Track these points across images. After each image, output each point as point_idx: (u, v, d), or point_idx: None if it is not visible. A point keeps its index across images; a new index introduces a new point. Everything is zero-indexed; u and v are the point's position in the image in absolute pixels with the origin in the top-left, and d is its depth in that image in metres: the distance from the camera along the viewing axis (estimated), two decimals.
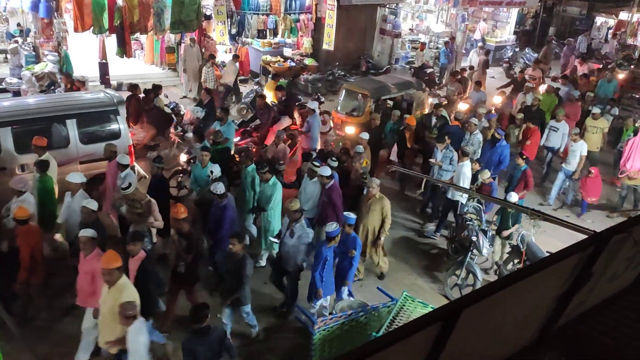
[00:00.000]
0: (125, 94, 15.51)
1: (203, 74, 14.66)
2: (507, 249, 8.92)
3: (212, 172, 8.30)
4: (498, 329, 2.50)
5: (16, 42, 15.07)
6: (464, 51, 21.27)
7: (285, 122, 11.96)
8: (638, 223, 2.81)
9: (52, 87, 12.55)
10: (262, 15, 16.60)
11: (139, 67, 17.40)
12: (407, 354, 1.99)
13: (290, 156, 10.95)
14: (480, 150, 10.88)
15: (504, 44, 23.39)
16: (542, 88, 15.11)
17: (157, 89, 12.37)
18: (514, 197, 8.61)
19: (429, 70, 18.45)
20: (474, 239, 8.21)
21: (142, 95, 12.22)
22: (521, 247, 8.39)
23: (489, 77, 18.69)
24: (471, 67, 17.55)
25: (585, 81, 16.02)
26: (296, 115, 12.63)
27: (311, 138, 11.26)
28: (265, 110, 11.83)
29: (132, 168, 8.83)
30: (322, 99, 14.06)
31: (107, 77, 15.08)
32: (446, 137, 10.12)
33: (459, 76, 15.88)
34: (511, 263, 8.71)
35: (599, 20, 26.88)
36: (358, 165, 9.29)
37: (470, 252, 8.27)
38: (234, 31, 16.25)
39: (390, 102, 12.84)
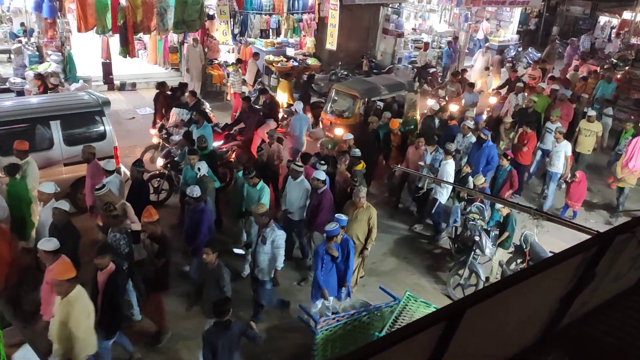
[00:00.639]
0: (129, 94, 15.70)
1: (230, 78, 14.47)
2: (507, 256, 8.68)
3: (199, 169, 8.20)
4: (501, 329, 2.50)
5: (20, 42, 15.11)
6: (466, 51, 21.24)
7: (271, 125, 11.68)
8: None
9: (56, 87, 12.56)
10: (265, 15, 16.59)
11: (142, 67, 17.42)
12: (410, 354, 1.99)
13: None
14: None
15: (507, 44, 23.37)
16: (544, 86, 14.87)
17: (183, 87, 12.59)
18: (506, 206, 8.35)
19: (431, 70, 18.44)
20: (477, 239, 8.20)
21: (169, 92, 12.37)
22: (524, 247, 8.38)
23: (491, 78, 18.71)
24: (466, 68, 17.51)
25: (582, 84, 15.64)
26: (309, 115, 12.59)
27: (294, 139, 11.09)
28: (251, 113, 11.63)
29: (118, 170, 8.73)
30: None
31: (111, 77, 15.14)
32: (436, 139, 10.07)
33: (460, 76, 15.74)
34: (514, 263, 8.69)
35: (603, 19, 26.81)
36: (343, 167, 9.13)
37: (473, 252, 8.27)
38: (236, 31, 16.25)
39: (381, 104, 12.63)
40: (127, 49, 13.99)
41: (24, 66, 14.11)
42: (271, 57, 17.48)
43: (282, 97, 14.08)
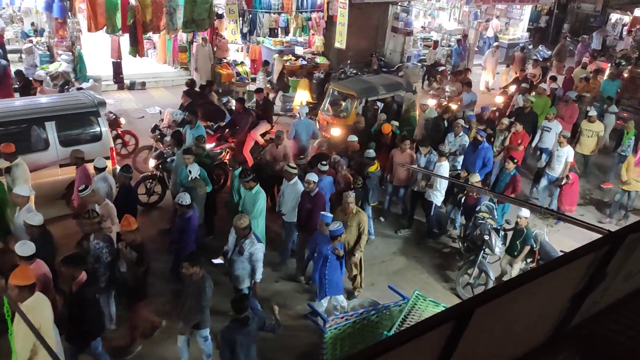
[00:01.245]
0: (138, 93, 15.78)
1: (258, 79, 14.30)
2: (519, 268, 8.40)
3: (190, 171, 8.05)
4: (511, 329, 2.48)
5: (30, 41, 15.23)
6: (476, 49, 21.13)
7: (264, 127, 11.60)
8: None
9: (67, 87, 12.66)
10: (274, 13, 16.60)
11: (152, 66, 17.52)
12: (418, 353, 1.98)
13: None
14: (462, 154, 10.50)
15: (517, 42, 23.22)
16: (544, 86, 14.48)
17: (211, 84, 12.83)
18: (524, 212, 8.14)
19: (441, 69, 18.36)
20: (487, 238, 8.17)
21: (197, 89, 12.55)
22: (534, 246, 8.33)
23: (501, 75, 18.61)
24: (469, 67, 17.28)
25: (584, 84, 15.25)
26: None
27: (295, 144, 10.79)
28: (244, 114, 11.47)
29: (114, 171, 8.72)
30: None
31: (121, 76, 15.22)
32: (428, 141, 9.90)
33: (462, 76, 15.43)
34: (524, 262, 8.65)
35: (614, 17, 26.56)
36: (344, 170, 9.05)
37: (482, 251, 8.24)
38: (245, 30, 16.27)
39: (379, 104, 12.44)
40: (137, 49, 14.06)
41: (35, 66, 14.23)
42: (277, 56, 17.46)
43: (303, 95, 14.04)
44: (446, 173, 9.29)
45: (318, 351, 6.43)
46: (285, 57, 16.60)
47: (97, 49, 16.04)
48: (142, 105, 14.85)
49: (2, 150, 7.71)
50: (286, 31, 17.17)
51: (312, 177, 7.95)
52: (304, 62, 17.43)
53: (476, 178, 9.10)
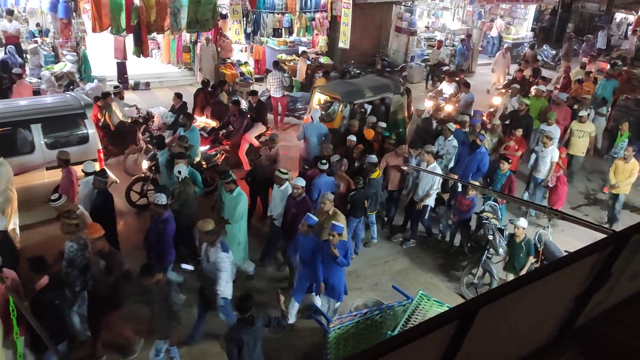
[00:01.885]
0: (143, 93, 15.81)
1: (275, 80, 14.16)
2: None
3: (179, 172, 7.90)
4: (515, 328, 2.48)
5: (35, 42, 15.29)
6: (480, 49, 21.08)
7: (259, 129, 11.45)
8: None
9: (71, 87, 12.70)
10: (278, 14, 16.62)
11: (156, 67, 17.56)
12: (423, 353, 1.98)
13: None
14: (454, 158, 10.27)
15: (521, 41, 23.17)
16: (543, 88, 14.10)
17: (222, 84, 12.91)
18: (522, 222, 8.04)
19: (445, 68, 18.34)
20: (491, 238, 8.15)
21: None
22: (539, 246, 8.31)
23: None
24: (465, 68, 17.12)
25: (577, 86, 14.90)
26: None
27: (304, 148, 10.64)
28: (239, 116, 11.29)
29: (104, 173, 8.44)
30: None
31: (125, 77, 15.26)
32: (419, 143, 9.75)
33: (457, 77, 15.19)
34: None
35: (619, 16, 26.45)
36: (340, 171, 8.98)
37: (486, 251, 8.22)
38: (249, 30, 16.30)
39: (367, 107, 12.24)
40: (141, 49, 14.09)
41: (40, 66, 14.28)
42: (284, 56, 17.51)
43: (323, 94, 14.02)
44: (437, 172, 9.09)
45: (322, 351, 6.43)
46: (308, 57, 16.67)
47: (102, 50, 16.08)
48: (147, 105, 14.84)
49: None
50: (290, 31, 17.19)
51: (300, 182, 7.80)
52: (308, 62, 17.42)
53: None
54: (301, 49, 18.57)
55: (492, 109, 13.70)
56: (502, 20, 23.63)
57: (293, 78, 15.88)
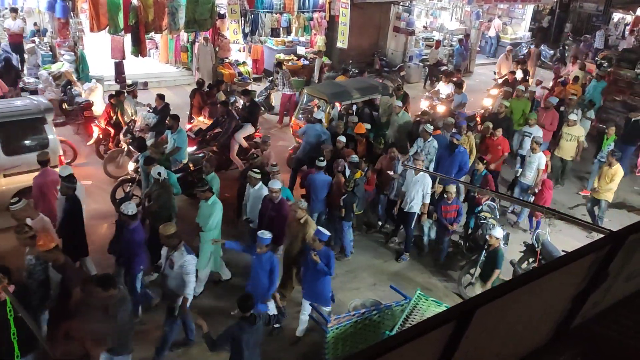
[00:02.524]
0: (140, 93, 15.77)
1: (284, 78, 14.14)
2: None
3: (159, 173, 7.64)
4: (513, 328, 2.49)
5: (33, 42, 15.26)
6: (478, 49, 21.10)
7: (247, 130, 11.31)
8: None
9: (69, 87, 12.69)
10: (276, 13, 16.63)
11: (154, 66, 17.52)
12: (420, 353, 1.99)
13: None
14: (435, 159, 10.09)
15: (519, 41, 23.20)
16: (534, 89, 14.23)
17: (219, 84, 12.91)
18: (497, 231, 7.84)
19: (443, 68, 18.36)
20: (488, 238, 8.16)
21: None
22: (536, 246, 8.33)
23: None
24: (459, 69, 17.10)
25: (561, 88, 14.74)
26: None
27: (304, 145, 10.52)
28: (228, 118, 11.04)
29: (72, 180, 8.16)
30: None
31: (123, 76, 15.23)
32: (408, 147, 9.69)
33: (454, 77, 15.06)
34: (526, 262, 8.65)
35: (616, 16, 26.52)
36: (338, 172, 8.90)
37: (484, 251, 8.23)
38: (247, 30, 16.30)
39: (354, 108, 12.15)
40: (139, 49, 14.08)
41: (38, 66, 14.25)
42: (282, 56, 17.51)
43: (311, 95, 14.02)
44: (428, 178, 8.84)
45: (320, 351, 6.43)
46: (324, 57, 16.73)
47: (100, 49, 16.05)
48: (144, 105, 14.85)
49: None
50: (288, 31, 17.20)
51: (276, 184, 7.54)
52: (306, 62, 17.44)
53: (452, 189, 8.81)
54: (299, 49, 18.62)
55: (482, 110, 13.67)
56: (500, 20, 23.66)
57: (292, 78, 15.85)
